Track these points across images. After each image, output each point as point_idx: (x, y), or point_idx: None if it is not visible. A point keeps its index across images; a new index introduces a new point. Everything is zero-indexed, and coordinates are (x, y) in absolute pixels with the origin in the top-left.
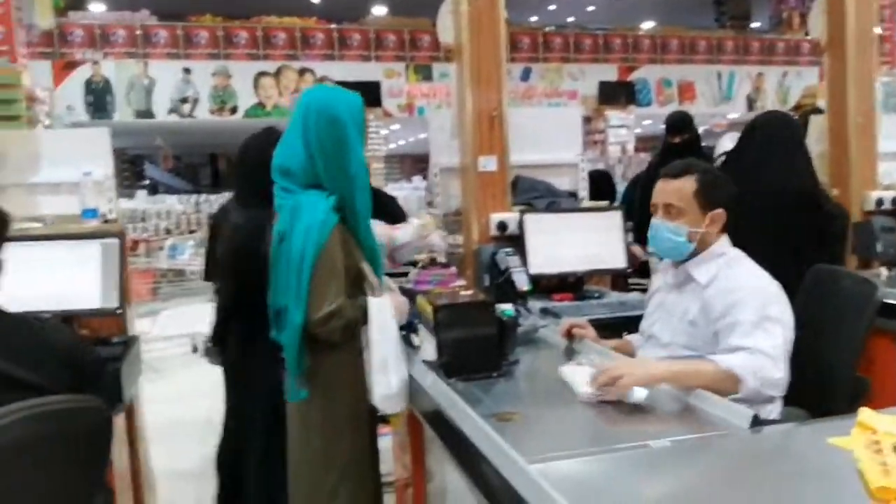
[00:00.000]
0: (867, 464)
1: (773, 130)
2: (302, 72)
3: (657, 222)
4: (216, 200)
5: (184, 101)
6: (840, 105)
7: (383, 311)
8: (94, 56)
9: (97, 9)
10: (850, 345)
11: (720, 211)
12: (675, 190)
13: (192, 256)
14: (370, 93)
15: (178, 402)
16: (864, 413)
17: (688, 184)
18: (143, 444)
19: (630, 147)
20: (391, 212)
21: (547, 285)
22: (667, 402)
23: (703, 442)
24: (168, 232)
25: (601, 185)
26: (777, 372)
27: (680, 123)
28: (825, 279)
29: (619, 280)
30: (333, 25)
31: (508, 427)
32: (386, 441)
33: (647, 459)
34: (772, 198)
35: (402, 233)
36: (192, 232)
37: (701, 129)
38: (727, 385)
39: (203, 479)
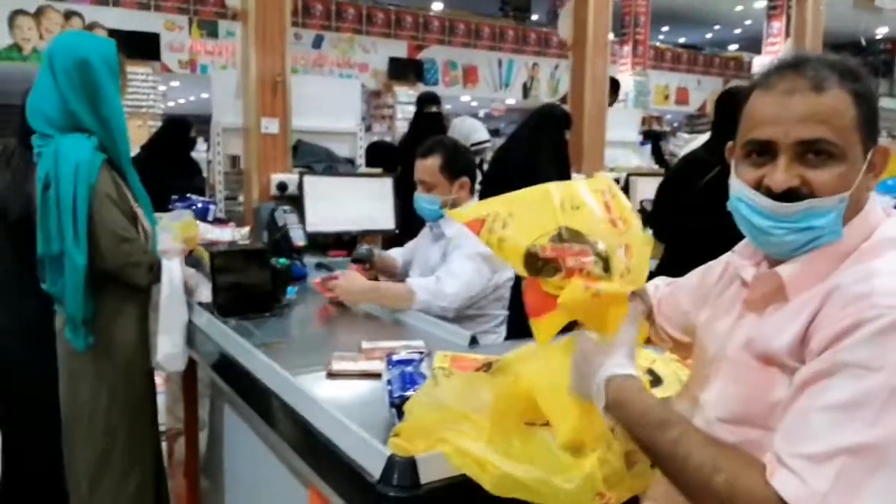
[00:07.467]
0: None
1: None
2: (68, 15)
3: (417, 195)
4: None
5: None
6: (579, 98)
7: (173, 272)
8: None
9: None
10: None
11: (465, 179)
12: (425, 168)
13: None
14: (147, 45)
15: None
16: None
17: (435, 161)
18: None
19: None
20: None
21: (323, 243)
22: (399, 323)
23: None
24: None
25: (384, 154)
26: (449, 289)
27: (436, 97)
28: None
29: (389, 239)
30: None
31: (274, 353)
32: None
33: None
34: None
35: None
36: None
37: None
38: (408, 299)
39: None
